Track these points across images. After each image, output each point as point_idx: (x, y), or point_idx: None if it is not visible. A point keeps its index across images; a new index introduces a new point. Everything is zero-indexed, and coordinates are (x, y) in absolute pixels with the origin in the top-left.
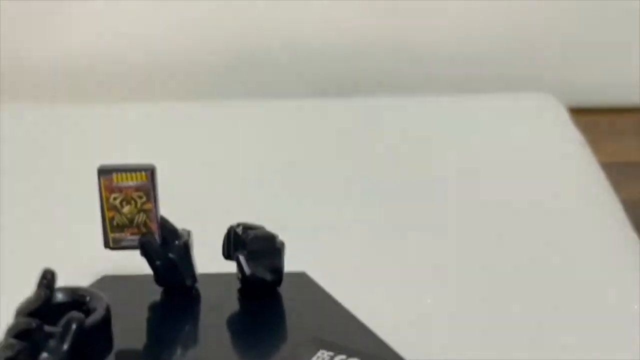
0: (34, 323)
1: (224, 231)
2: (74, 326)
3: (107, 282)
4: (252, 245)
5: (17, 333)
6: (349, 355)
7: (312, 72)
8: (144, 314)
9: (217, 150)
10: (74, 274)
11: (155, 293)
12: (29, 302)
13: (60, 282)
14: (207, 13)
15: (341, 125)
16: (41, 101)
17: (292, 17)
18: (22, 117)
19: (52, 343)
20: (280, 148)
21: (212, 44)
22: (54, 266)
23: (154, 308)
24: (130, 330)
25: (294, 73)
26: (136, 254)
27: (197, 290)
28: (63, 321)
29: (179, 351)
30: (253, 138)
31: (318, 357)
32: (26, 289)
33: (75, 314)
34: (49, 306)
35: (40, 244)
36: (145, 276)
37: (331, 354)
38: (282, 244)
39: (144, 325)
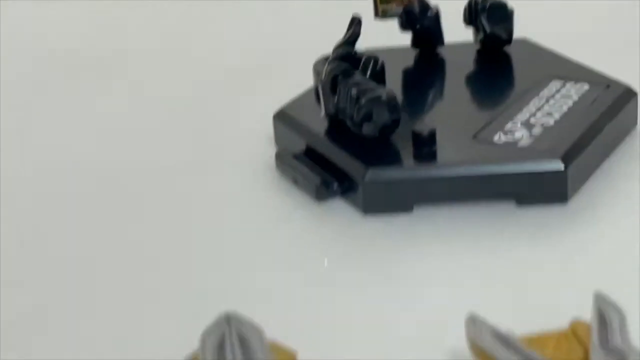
0: (353, 50)
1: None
2: (372, 61)
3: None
4: (491, 10)
5: (336, 57)
6: (577, 80)
7: None
8: (401, 74)
9: None
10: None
11: (407, 58)
12: (342, 39)
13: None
14: None
15: None
16: None
17: None
18: None
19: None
20: None
21: None
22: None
23: (407, 68)
24: (390, 84)
25: None
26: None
27: (441, 54)
28: (363, 59)
29: (430, 102)
30: None
31: (551, 85)
32: None
33: (372, 54)
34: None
35: None
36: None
37: (562, 81)
38: (512, 10)
39: (402, 81)
